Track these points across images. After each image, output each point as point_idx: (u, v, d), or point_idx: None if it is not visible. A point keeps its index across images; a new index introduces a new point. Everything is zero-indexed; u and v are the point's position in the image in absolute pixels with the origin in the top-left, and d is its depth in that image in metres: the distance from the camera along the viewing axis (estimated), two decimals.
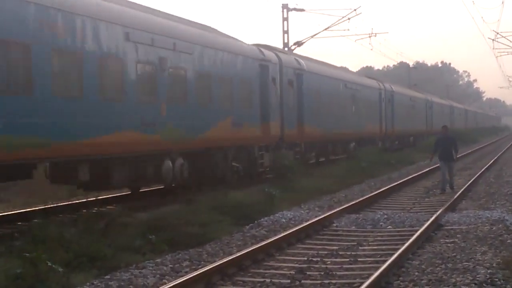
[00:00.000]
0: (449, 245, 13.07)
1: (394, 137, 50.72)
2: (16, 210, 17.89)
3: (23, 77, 14.15)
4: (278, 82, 27.68)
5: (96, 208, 16.71)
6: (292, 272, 10.98)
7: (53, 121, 14.80)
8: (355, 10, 42.78)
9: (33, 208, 17.74)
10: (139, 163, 18.80)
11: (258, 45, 27.95)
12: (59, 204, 18.05)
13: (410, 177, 27.61)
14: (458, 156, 25.25)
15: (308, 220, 15.86)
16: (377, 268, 10.47)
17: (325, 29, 44.37)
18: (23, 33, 14.01)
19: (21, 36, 13.96)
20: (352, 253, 12.63)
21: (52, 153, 14.90)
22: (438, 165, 24.90)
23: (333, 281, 10.26)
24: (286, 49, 40.59)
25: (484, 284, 9.63)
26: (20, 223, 16.06)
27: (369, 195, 21.10)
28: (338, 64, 50.88)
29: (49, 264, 9.87)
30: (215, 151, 22.43)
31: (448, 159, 23.30)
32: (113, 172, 17.60)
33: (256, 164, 25.44)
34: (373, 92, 44.87)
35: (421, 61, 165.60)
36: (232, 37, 26.03)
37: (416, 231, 13.98)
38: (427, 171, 30.66)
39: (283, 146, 28.11)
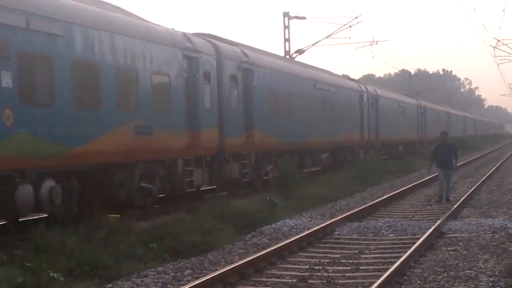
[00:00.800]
0: (451, 253, 13.05)
1: (379, 146, 44.92)
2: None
3: None
4: (214, 79, 21.98)
5: (97, 217, 16.64)
6: (294, 280, 10.97)
7: None
8: (356, 18, 42.97)
9: (35, 217, 17.71)
10: None
11: (198, 34, 23.15)
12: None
13: (412, 185, 27.57)
14: (458, 165, 24.11)
15: (310, 228, 15.84)
16: (379, 276, 10.46)
17: (327, 37, 44.58)
18: None
19: None
20: (354, 261, 12.62)
21: None
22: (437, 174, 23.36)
23: None
24: (287, 57, 40.65)
25: None
26: (21, 232, 16.01)
27: (371, 203, 21.08)
28: (339, 72, 49.15)
29: (51, 273, 9.86)
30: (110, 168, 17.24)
31: (447, 167, 22.07)
32: None
33: (182, 183, 19.90)
34: (352, 94, 39.22)
35: (422, 69, 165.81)
36: (146, 20, 20.15)
37: (418, 239, 13.97)
38: (429, 178, 30.61)
39: (223, 158, 22.70)
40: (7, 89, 13.33)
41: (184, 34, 20.95)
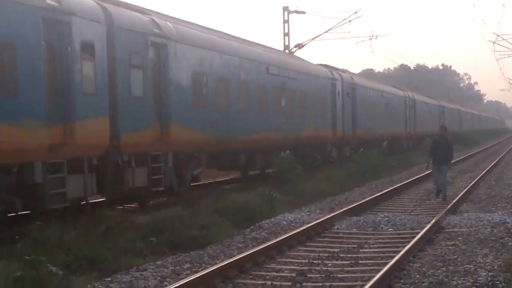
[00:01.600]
0: (450, 247, 13.06)
1: (356, 143, 38.63)
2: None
3: None
4: (102, 53, 16.40)
5: (97, 211, 16.62)
6: (293, 274, 10.98)
7: None
8: (355, 12, 42.86)
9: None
10: None
11: None
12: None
13: (411, 179, 27.56)
14: (452, 162, 23.53)
15: (309, 223, 15.84)
16: (378, 271, 10.46)
17: (326, 31, 44.45)
18: None
19: None
20: (353, 255, 12.62)
21: None
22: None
23: (334, 284, 10.25)
24: (287, 51, 40.62)
25: (485, 287, 9.62)
26: (20, 225, 15.98)
27: (370, 197, 21.09)
28: (340, 67, 46.72)
29: (49, 267, 9.85)
30: None
31: (441, 162, 21.36)
32: None
33: (43, 196, 14.60)
34: (321, 82, 33.26)
35: (421, 64, 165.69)
36: None
37: (417, 233, 13.98)
38: (428, 173, 30.59)
39: (119, 160, 17.11)
40: None
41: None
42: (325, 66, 36.95)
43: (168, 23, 19.85)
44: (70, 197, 15.15)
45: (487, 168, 34.17)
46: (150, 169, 18.21)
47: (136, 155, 17.74)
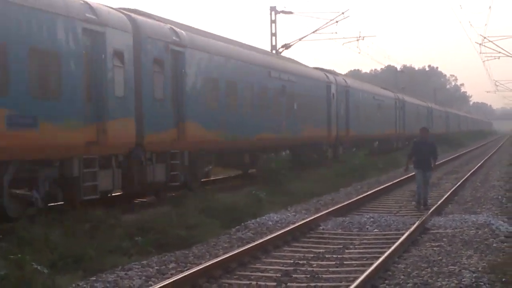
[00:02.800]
0: (435, 248, 13.10)
1: (349, 143, 40.89)
2: None
3: None
4: (130, 60, 18.20)
5: (82, 210, 16.60)
6: (278, 274, 10.99)
7: None
8: (343, 13, 43.02)
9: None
10: None
11: (119, 8, 19.13)
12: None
13: (397, 180, 27.62)
14: (437, 164, 21.72)
15: (294, 223, 15.86)
16: (363, 271, 10.49)
17: (313, 32, 44.58)
18: None
19: None
20: (339, 256, 12.65)
21: None
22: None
23: (319, 284, 10.28)
24: (274, 51, 40.65)
25: None
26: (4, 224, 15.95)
27: (356, 198, 21.12)
28: (327, 68, 47.04)
29: (34, 265, 9.83)
30: None
31: (425, 167, 19.75)
32: None
33: (79, 188, 16.39)
34: (317, 85, 35.01)
35: (408, 65, 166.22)
36: None
37: (402, 234, 14.01)
38: (413, 175, 30.69)
39: (143, 157, 18.92)
40: None
41: (86, 2, 16.85)
42: (321, 69, 38.80)
43: (184, 31, 21.46)
44: (100, 190, 17.00)
45: (473, 170, 34.28)
46: (168, 166, 19.97)
47: (157, 153, 19.54)
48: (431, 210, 17.79)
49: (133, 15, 19.03)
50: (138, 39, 18.57)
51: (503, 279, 10.13)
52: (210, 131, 22.51)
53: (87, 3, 16.82)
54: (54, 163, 15.74)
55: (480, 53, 61.63)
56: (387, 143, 52.55)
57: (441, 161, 41.85)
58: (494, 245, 13.35)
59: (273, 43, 42.46)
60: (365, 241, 14.24)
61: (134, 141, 18.28)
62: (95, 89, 16.97)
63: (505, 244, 13.47)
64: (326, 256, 12.66)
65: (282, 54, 41.04)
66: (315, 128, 34.27)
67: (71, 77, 15.83)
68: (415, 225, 15.02)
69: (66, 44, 15.72)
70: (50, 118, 15.11)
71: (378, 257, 11.64)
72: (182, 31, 21.26)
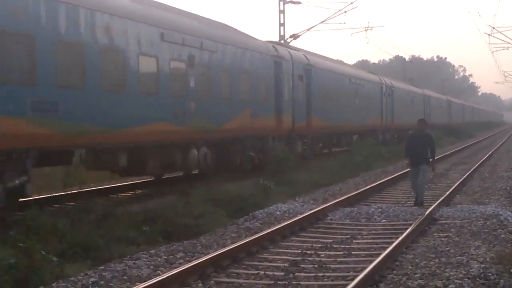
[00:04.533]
0: (443, 239, 13.09)
1: (315, 136, 33.12)
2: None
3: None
4: (290, 78, 29.46)
5: (90, 200, 16.66)
6: (286, 264, 11.00)
7: None
8: (351, 3, 42.79)
9: (28, 198, 17.71)
10: None
11: (273, 42, 27.14)
12: (54, 195, 18.04)
13: (405, 171, 27.52)
14: (436, 158, 19.50)
15: (302, 213, 15.87)
16: (371, 262, 10.49)
17: (321, 22, 44.40)
18: None
19: None
20: (346, 246, 12.65)
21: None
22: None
23: (327, 274, 10.28)
24: (282, 41, 40.58)
25: (477, 279, 9.65)
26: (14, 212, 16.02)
27: (364, 188, 21.10)
28: (334, 57, 45.95)
29: (43, 254, 9.86)
30: None
31: (419, 162, 17.95)
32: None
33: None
34: (259, 60, 26.22)
35: (417, 55, 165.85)
36: (250, 36, 26.72)
37: (410, 225, 14.01)
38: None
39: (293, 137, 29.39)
40: None
41: (272, 45, 28.02)
42: (272, 42, 30.70)
43: (310, 56, 32.89)
44: (278, 154, 25.82)
45: (481, 160, 34.23)
46: (302, 143, 30.67)
47: (298, 134, 29.94)
48: (439, 201, 17.75)
49: (289, 50, 30.40)
50: (292, 64, 29.38)
51: (511, 270, 10.12)
52: (325, 120, 33.20)
53: (274, 46, 28.16)
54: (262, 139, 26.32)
55: (489, 43, 61.64)
56: (371, 136, 43.80)
57: (449, 152, 41.88)
58: (502, 236, 13.34)
59: (281, 33, 42.36)
60: (373, 232, 14.24)
61: (291, 127, 28.85)
62: (277, 96, 27.53)
63: None
64: (334, 246, 12.66)
65: (291, 44, 40.90)
66: (255, 116, 25.53)
67: (271, 89, 27.09)
68: (423, 216, 15.00)
69: (267, 70, 26.75)
70: (263, 113, 26.21)
71: (386, 248, 11.63)
72: (310, 56, 32.81)
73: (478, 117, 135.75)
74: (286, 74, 28.83)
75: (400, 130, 52.14)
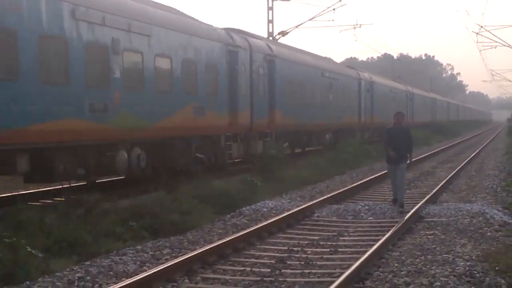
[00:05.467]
0: (429, 237, 13.12)
1: (280, 135, 29.91)
2: None
3: None
4: (248, 69, 25.93)
5: (75, 195, 16.59)
6: (273, 261, 11.01)
7: None
8: (340, 0, 42.86)
9: (13, 193, 17.68)
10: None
11: (229, 28, 24.93)
12: (40, 190, 17.99)
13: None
14: (413, 158, 18.93)
15: (289, 210, 15.88)
16: (357, 259, 10.51)
17: (310, 19, 44.50)
18: None
19: None
20: (333, 243, 12.67)
21: None
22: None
23: (313, 271, 10.28)
24: (270, 38, 40.59)
25: (463, 276, 9.68)
26: None
27: (351, 186, 21.14)
28: (322, 55, 44.46)
29: (29, 249, 9.83)
30: None
31: (398, 160, 16.91)
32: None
33: (223, 155, 23.91)
34: (209, 47, 23.04)
35: (405, 54, 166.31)
36: (202, 22, 23.71)
37: (397, 222, 14.04)
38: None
39: (252, 136, 26.39)
40: None
41: (227, 32, 24.95)
42: (228, 29, 26.82)
43: (273, 45, 30.06)
44: (233, 156, 24.96)
45: (468, 159, 34.34)
46: (264, 141, 27.63)
47: (258, 133, 27.24)
48: (425, 199, 17.78)
49: (247, 37, 26.97)
50: (251, 54, 26.30)
51: (497, 268, 10.15)
52: (287, 116, 30.10)
53: (227, 32, 25.03)
54: (211, 138, 23.37)
55: (477, 42, 61.91)
56: (347, 135, 41.12)
57: (436, 150, 42.01)
58: (488, 234, 13.38)
59: (270, 30, 42.39)
60: (359, 229, 14.26)
61: (249, 125, 26.06)
62: (232, 89, 24.57)
63: (499, 233, 13.49)
64: (321, 243, 12.68)
65: (279, 41, 40.91)
66: (203, 112, 22.45)
67: (224, 82, 23.92)
68: (409, 213, 15.04)
69: (220, 59, 23.70)
70: (212, 109, 23.06)
71: (373, 245, 11.66)
72: (273, 45, 29.75)
73: (464, 115, 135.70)
74: (244, 65, 25.68)
75: (380, 128, 46.64)
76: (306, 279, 9.83)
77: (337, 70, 40.55)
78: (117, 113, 17.38)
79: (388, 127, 17.38)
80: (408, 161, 17.11)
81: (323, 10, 43.71)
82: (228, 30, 26.10)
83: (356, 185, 21.31)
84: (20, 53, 14.11)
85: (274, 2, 42.75)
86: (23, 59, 14.17)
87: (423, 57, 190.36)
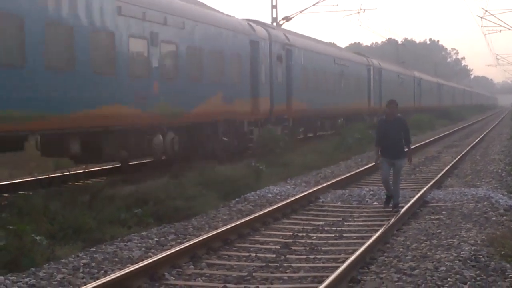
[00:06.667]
0: (434, 222, 13.11)
1: (296, 120, 31.59)
2: (1, 182, 17.80)
3: None
4: (267, 59, 27.11)
5: (82, 181, 16.63)
6: (278, 247, 11.01)
7: None
8: None
9: (18, 180, 17.69)
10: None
11: (251, 20, 26.47)
12: (45, 177, 18.00)
13: None
14: (412, 148, 16.90)
15: (294, 195, 15.88)
16: (362, 244, 10.51)
17: (314, 4, 44.36)
18: None
19: None
20: (338, 228, 12.66)
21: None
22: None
23: (318, 256, 10.29)
24: (274, 24, 40.48)
25: (468, 261, 9.66)
26: (5, 195, 16.00)
27: (356, 171, 21.12)
28: (326, 40, 44.53)
29: (34, 236, 9.83)
30: None
31: (394, 154, 14.61)
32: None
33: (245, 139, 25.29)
34: (232, 39, 24.57)
35: (409, 38, 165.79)
36: (228, 15, 25.36)
37: (402, 207, 14.01)
38: (413, 148, 30.73)
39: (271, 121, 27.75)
40: None
41: (248, 23, 26.09)
42: (250, 20, 28.18)
43: (290, 35, 31.34)
44: (254, 140, 25.93)
45: (473, 143, 34.29)
46: (283, 126, 29.38)
47: (277, 117, 28.71)
48: (430, 184, 17.76)
49: (268, 29, 28.74)
50: (270, 44, 27.78)
51: (502, 252, 10.13)
52: (304, 103, 31.55)
53: (250, 24, 26.28)
54: (235, 122, 24.56)
55: (482, 26, 61.66)
56: (357, 119, 41.78)
57: (441, 135, 41.96)
58: (493, 218, 13.36)
59: (274, 16, 42.27)
60: (364, 214, 14.25)
61: (268, 110, 27.50)
62: (254, 77, 25.97)
63: (504, 217, 13.48)
64: (326, 228, 12.68)
65: (283, 26, 40.80)
66: (229, 99, 23.97)
67: (246, 71, 25.26)
68: (414, 198, 15.03)
69: (243, 49, 25.19)
70: (237, 96, 24.45)
71: (377, 230, 11.65)
72: (291, 35, 31.25)
73: (470, 100, 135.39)
74: (264, 55, 27.20)
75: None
76: (311, 264, 9.83)
77: (347, 57, 41.75)
78: (156, 101, 19.08)
79: (380, 118, 15.32)
80: (407, 158, 14.95)
81: None
82: (248, 21, 27.44)
83: (361, 170, 21.29)
84: (75, 47, 15.82)
85: None
86: (77, 52, 15.90)
87: (428, 42, 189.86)
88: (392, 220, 12.43)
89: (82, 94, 16.02)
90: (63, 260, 9.80)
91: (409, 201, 14.84)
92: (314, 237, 11.84)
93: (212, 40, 22.72)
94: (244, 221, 12.29)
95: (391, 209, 14.35)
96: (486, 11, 56.40)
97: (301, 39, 34.05)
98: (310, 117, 34.22)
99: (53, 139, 16.37)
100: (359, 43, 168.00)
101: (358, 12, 51.32)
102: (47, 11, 14.93)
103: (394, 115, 14.60)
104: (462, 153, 27.93)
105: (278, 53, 28.97)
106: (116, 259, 10.03)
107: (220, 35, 23.42)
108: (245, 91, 25.48)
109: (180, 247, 10.00)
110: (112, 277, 8.29)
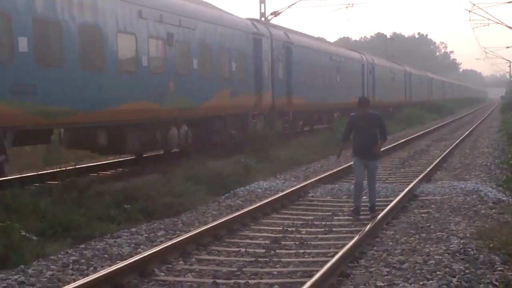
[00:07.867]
0: (423, 215, 13.14)
1: (296, 113, 33.00)
2: None
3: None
4: (269, 55, 28.40)
5: (70, 178, 16.57)
6: (267, 241, 11.02)
7: None
8: None
9: (8, 178, 17.62)
10: None
11: (251, 19, 27.36)
12: (35, 173, 17.95)
13: (385, 148, 27.63)
14: (402, 141, 16.64)
15: (283, 190, 15.89)
16: (351, 238, 10.53)
17: None
18: None
19: None
20: (327, 223, 12.68)
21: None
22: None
23: (308, 251, 10.30)
24: (263, 19, 40.45)
25: (457, 254, 9.69)
26: None
27: (345, 165, 21.12)
28: (315, 35, 45.38)
29: (23, 233, 9.81)
30: None
31: (368, 155, 13.36)
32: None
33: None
34: (238, 37, 25.98)
35: (398, 32, 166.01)
36: (231, 14, 26.29)
37: (391, 201, 14.05)
38: (402, 142, 30.82)
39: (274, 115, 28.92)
40: None
41: (252, 22, 27.36)
42: (252, 20, 29.86)
43: (290, 33, 32.36)
44: (257, 131, 26.43)
45: (462, 137, 34.38)
46: (283, 119, 30.81)
47: (279, 111, 29.98)
48: (420, 177, 17.78)
49: (270, 28, 29.84)
50: (272, 42, 28.90)
51: (491, 245, 10.17)
52: (304, 98, 32.81)
53: (253, 23, 27.56)
54: (239, 115, 25.86)
55: (470, 20, 61.67)
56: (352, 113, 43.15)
57: (430, 129, 42.05)
58: (482, 211, 13.41)
59: (262, 10, 42.23)
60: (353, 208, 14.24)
61: (271, 104, 28.62)
62: (258, 73, 27.03)
63: (493, 210, 13.53)
64: (315, 223, 12.70)
65: (271, 21, 40.77)
66: (236, 94, 25.24)
67: (250, 67, 26.50)
68: (404, 192, 15.07)
69: (247, 47, 26.33)
70: (243, 92, 25.72)
71: (367, 224, 11.68)
72: (290, 33, 32.38)
73: (460, 94, 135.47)
74: (266, 52, 28.43)
75: (381, 107, 49.05)
76: (301, 259, 9.84)
77: (343, 54, 42.82)
78: (172, 95, 20.53)
79: (353, 114, 13.66)
80: (379, 155, 13.69)
81: None
82: (250, 20, 28.90)
83: (350, 165, 21.23)
84: (103, 48, 17.33)
85: None
86: (106, 53, 17.43)
87: (416, 36, 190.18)
88: (381, 214, 12.45)
89: (114, 91, 17.75)
90: (52, 257, 9.79)
91: (398, 195, 14.88)
92: (304, 232, 11.86)
93: (220, 39, 24.19)
94: (234, 216, 12.30)
95: (367, 215, 13.12)
96: (474, 4, 56.39)
97: (300, 37, 35.31)
98: (308, 111, 35.59)
99: (80, 132, 18.22)
100: (348, 37, 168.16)
101: (346, 7, 51.30)
102: (82, 17, 16.37)
103: (366, 110, 13.24)
104: (451, 147, 28.01)
105: (279, 50, 30.37)
106: (106, 256, 10.02)
107: (227, 34, 24.87)
108: (250, 86, 26.83)
109: (170, 243, 10.00)
110: (102, 274, 8.28)
